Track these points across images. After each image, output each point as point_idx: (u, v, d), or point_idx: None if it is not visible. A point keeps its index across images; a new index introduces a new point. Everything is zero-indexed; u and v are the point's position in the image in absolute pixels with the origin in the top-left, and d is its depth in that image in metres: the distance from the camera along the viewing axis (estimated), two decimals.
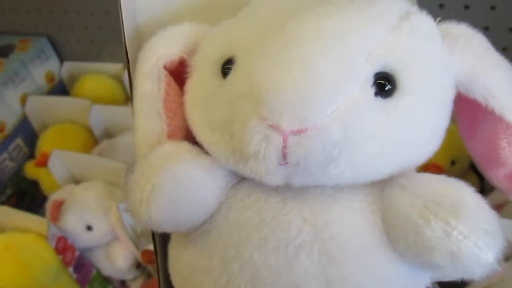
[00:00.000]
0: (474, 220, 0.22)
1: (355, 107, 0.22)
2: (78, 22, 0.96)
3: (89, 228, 0.71)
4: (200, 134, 0.27)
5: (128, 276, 0.75)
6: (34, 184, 0.87)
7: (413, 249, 0.23)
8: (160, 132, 0.29)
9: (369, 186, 0.26)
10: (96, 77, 0.95)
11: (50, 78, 1.00)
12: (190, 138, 0.28)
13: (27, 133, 0.92)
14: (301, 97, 0.22)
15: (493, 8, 0.63)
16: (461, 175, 0.67)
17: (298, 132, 0.22)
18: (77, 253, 0.69)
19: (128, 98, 0.95)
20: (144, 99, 0.29)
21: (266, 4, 0.27)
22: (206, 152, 0.27)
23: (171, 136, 0.29)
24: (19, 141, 0.91)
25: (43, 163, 0.80)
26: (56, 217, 0.72)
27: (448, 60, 0.26)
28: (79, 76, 0.97)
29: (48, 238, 0.64)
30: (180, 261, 0.29)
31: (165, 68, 0.29)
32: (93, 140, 0.87)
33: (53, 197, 0.75)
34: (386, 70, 0.24)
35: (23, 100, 0.91)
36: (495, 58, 0.26)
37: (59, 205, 0.74)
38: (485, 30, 0.65)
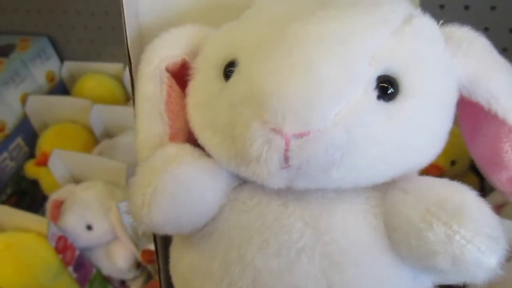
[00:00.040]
0: (477, 224, 0.22)
1: (358, 111, 0.22)
2: (78, 22, 0.96)
3: (89, 227, 0.71)
4: (202, 136, 0.27)
5: (128, 275, 0.75)
6: (34, 184, 0.87)
7: (415, 253, 0.23)
8: (162, 134, 0.29)
9: (372, 189, 0.26)
10: (97, 76, 0.95)
11: (50, 77, 0.99)
12: (192, 140, 0.28)
13: (28, 132, 0.92)
14: (303, 100, 0.21)
15: (493, 8, 0.63)
16: (461, 176, 0.67)
17: (301, 136, 0.22)
18: (77, 252, 0.69)
19: (128, 98, 0.95)
20: (146, 101, 0.29)
21: (269, 7, 0.27)
22: (208, 155, 0.27)
23: (173, 138, 0.29)
24: (19, 140, 0.91)
25: (44, 162, 0.80)
26: (56, 217, 0.72)
27: (451, 63, 0.26)
28: (80, 76, 0.97)
29: (48, 238, 0.64)
30: (181, 263, 0.29)
31: (167, 70, 0.29)
32: (94, 139, 0.87)
33: (53, 196, 0.75)
34: (389, 73, 0.24)
35: (24, 100, 0.91)
36: (498, 61, 0.26)
37: (59, 204, 0.74)
38: (485, 30, 0.65)
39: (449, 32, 0.27)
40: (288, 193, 0.25)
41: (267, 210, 0.26)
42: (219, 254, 0.26)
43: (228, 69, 0.26)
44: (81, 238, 0.71)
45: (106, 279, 0.75)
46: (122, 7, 0.30)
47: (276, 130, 0.22)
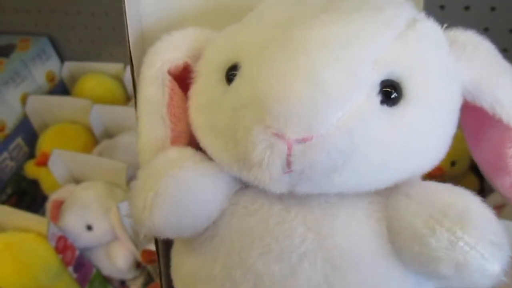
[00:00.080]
0: (480, 231, 0.21)
1: (361, 115, 0.22)
2: (78, 22, 0.96)
3: (89, 227, 0.71)
4: (204, 140, 0.27)
5: (128, 276, 0.75)
6: (35, 184, 0.87)
7: (418, 259, 0.23)
8: (164, 137, 0.29)
9: (374, 194, 0.25)
10: (97, 77, 0.95)
11: (50, 77, 0.99)
12: (193, 143, 0.28)
13: (28, 132, 0.92)
14: (306, 105, 0.21)
15: (493, 9, 0.63)
16: (461, 176, 0.67)
17: (303, 141, 0.22)
18: (77, 252, 0.69)
19: (128, 98, 0.95)
20: (148, 104, 0.29)
21: (272, 9, 0.27)
22: (210, 158, 0.27)
23: (174, 141, 0.29)
24: (19, 140, 0.91)
25: (44, 162, 0.80)
26: (56, 217, 0.72)
27: (455, 68, 0.26)
28: (80, 76, 0.97)
29: (48, 238, 0.64)
30: (182, 267, 0.29)
31: (170, 73, 0.29)
32: (94, 139, 0.87)
33: (53, 196, 0.75)
34: (393, 78, 0.23)
35: (24, 100, 0.91)
36: (502, 65, 0.26)
37: (59, 204, 0.73)
38: (485, 31, 0.65)
39: (454, 36, 0.27)
40: (290, 197, 0.25)
41: (268, 215, 0.25)
42: (220, 258, 0.26)
43: (231, 73, 0.26)
44: (81, 238, 0.71)
45: (106, 279, 0.75)
46: (125, 10, 0.30)
47: (278, 135, 0.22)
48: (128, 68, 0.91)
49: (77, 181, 0.79)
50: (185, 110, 0.29)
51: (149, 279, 0.74)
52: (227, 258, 0.26)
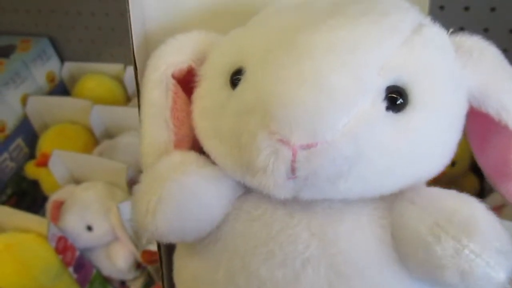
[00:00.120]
0: (486, 239, 0.21)
1: (367, 121, 0.22)
2: (79, 22, 0.96)
3: (89, 228, 0.71)
4: (208, 144, 0.27)
5: (128, 276, 0.75)
6: (35, 184, 0.87)
7: (423, 266, 0.22)
8: (167, 141, 0.29)
9: (379, 200, 0.25)
10: (97, 77, 0.94)
11: (51, 78, 0.99)
12: (197, 147, 0.28)
13: (28, 133, 0.92)
14: (311, 111, 0.21)
15: (493, 9, 0.63)
16: (461, 176, 0.67)
17: (308, 147, 0.21)
18: (77, 253, 0.69)
19: (128, 99, 0.94)
20: (151, 107, 0.29)
21: (277, 13, 0.27)
22: (213, 162, 0.27)
23: (178, 145, 0.29)
24: (19, 141, 0.91)
25: (44, 163, 0.80)
26: (56, 217, 0.72)
27: (461, 74, 0.25)
28: (80, 77, 0.97)
29: (48, 238, 0.64)
30: (185, 271, 0.28)
31: (173, 76, 0.29)
32: (94, 140, 0.87)
33: (54, 197, 0.75)
34: (398, 83, 0.23)
35: (24, 100, 0.91)
36: (509, 71, 0.26)
37: (59, 205, 0.73)
38: (485, 31, 0.65)
39: (459, 42, 0.26)
40: (294, 203, 0.25)
41: (272, 220, 0.25)
42: (223, 263, 0.26)
43: (235, 77, 0.26)
44: (81, 238, 0.71)
45: (106, 280, 0.75)
46: (129, 13, 0.30)
47: (283, 141, 0.22)
48: (128, 69, 0.91)
49: (77, 181, 0.79)
50: (189, 113, 0.29)
51: (149, 280, 0.74)
52: (230, 262, 0.25)
